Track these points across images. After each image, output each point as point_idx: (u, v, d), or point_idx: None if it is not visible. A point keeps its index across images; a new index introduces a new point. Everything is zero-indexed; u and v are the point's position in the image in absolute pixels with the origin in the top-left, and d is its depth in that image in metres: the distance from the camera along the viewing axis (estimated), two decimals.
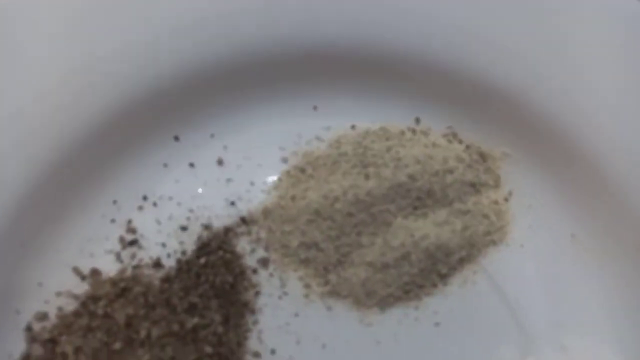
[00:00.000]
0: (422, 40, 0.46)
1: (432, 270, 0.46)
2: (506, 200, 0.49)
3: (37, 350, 0.43)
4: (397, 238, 0.46)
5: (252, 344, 0.45)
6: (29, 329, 0.44)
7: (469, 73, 0.47)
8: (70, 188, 0.45)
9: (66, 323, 0.44)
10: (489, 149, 0.50)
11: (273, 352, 0.45)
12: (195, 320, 0.44)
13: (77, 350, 0.42)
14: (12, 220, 0.43)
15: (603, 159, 0.46)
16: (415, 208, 0.47)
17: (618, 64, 0.45)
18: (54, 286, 0.45)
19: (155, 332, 0.43)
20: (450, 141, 0.50)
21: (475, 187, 0.49)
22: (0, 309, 0.43)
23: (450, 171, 0.47)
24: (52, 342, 0.43)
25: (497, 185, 0.49)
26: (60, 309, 0.44)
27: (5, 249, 0.43)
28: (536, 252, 0.48)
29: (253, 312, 0.46)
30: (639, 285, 0.45)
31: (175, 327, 0.44)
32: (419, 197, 0.47)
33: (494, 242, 0.48)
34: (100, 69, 0.43)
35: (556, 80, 0.46)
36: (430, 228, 0.46)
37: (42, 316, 0.44)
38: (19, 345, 0.43)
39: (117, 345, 0.42)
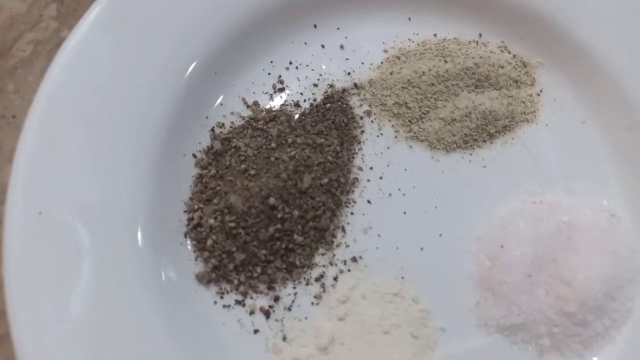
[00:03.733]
0: None
1: (484, 129, 0.67)
2: (538, 95, 0.70)
3: (217, 145, 0.64)
4: (462, 103, 0.67)
5: (358, 162, 0.66)
6: (212, 130, 0.65)
7: (518, 3, 0.69)
8: (247, 51, 0.67)
9: (237, 131, 0.65)
10: (528, 58, 0.71)
11: (371, 168, 0.66)
12: (322, 140, 0.65)
13: (246, 145, 0.63)
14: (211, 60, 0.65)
15: (609, 67, 0.67)
16: (476, 87, 0.68)
17: None
18: (229, 108, 0.66)
19: (298, 140, 0.64)
20: (502, 51, 0.71)
21: (517, 83, 0.70)
22: (193, 117, 0.64)
23: (502, 67, 0.69)
24: (228, 140, 0.64)
25: (532, 84, 0.71)
26: (232, 123, 0.66)
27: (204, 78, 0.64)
28: (556, 130, 0.69)
29: (359, 142, 0.67)
30: (629, 149, 0.65)
31: (309, 141, 0.64)
32: (479, 79, 0.68)
33: (527, 121, 0.69)
34: None
35: (580, 8, 0.67)
36: (485, 99, 0.67)
37: (221, 125, 0.65)
38: (206, 140, 0.64)
39: (273, 145, 0.63)
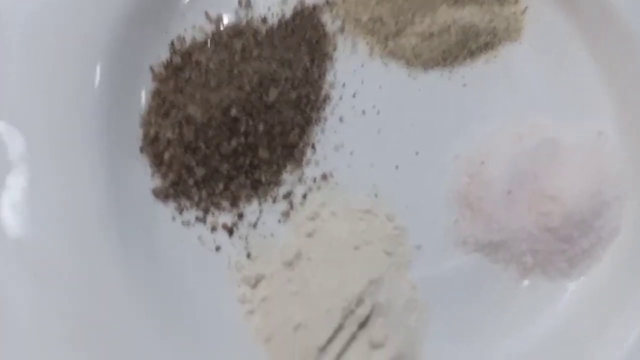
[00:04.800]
0: None
1: (465, 45, 0.63)
2: (522, 13, 0.66)
3: (177, 59, 0.59)
4: (441, 18, 0.63)
5: (330, 79, 0.62)
6: (172, 44, 0.60)
7: None
8: None
9: (198, 45, 0.61)
10: None
11: (344, 85, 0.62)
12: (290, 55, 0.61)
13: (208, 59, 0.59)
14: None
15: None
16: (456, 1, 0.64)
17: None
18: (191, 22, 0.62)
19: (264, 54, 0.60)
20: None
21: (500, 0, 0.66)
22: (152, 30, 0.60)
23: None
24: (188, 54, 0.60)
25: (515, 2, 0.67)
26: (194, 37, 0.61)
27: None
28: (541, 49, 0.64)
29: (331, 59, 0.62)
30: (616, 68, 0.62)
31: (277, 56, 0.60)
32: None
33: (511, 38, 0.65)
34: None
35: None
36: (466, 14, 0.63)
37: (182, 38, 0.61)
38: (166, 55, 0.60)
39: (237, 58, 0.59)
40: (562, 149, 0.56)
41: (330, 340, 0.46)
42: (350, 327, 0.46)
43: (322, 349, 0.45)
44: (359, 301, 0.47)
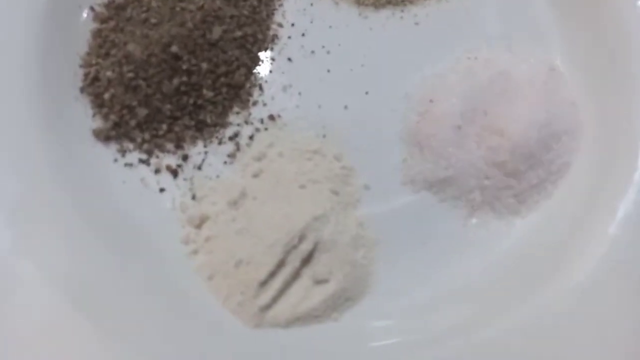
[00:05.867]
0: None
1: None
2: None
3: None
4: None
5: (278, 18, 0.60)
6: None
7: None
8: None
9: None
10: None
11: (292, 25, 0.60)
12: None
13: None
14: None
15: None
16: None
17: None
18: None
19: None
20: None
21: None
22: None
23: None
24: None
25: None
26: None
27: None
28: None
29: None
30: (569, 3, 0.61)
31: None
32: None
33: None
34: None
35: None
36: None
37: None
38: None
39: None
40: (513, 84, 0.55)
41: (271, 274, 0.45)
42: (293, 262, 0.46)
43: (263, 283, 0.45)
44: (302, 237, 0.46)
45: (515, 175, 0.52)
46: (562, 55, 0.60)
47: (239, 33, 0.56)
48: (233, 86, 0.55)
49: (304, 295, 0.46)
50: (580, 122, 0.56)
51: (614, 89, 0.57)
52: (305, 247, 0.46)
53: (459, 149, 0.53)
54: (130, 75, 0.51)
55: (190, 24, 0.53)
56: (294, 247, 0.46)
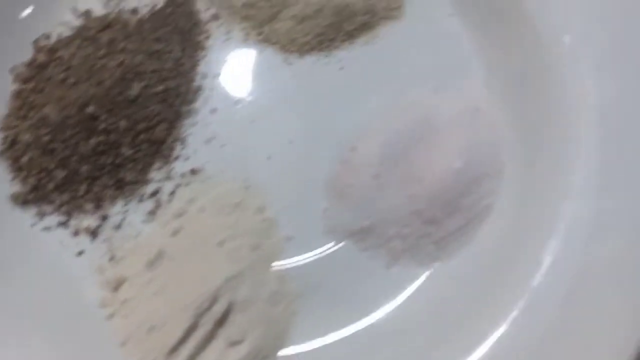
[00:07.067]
0: None
1: (340, 27, 0.62)
2: None
3: (41, 57, 0.58)
4: None
5: (202, 69, 0.60)
6: (36, 42, 0.59)
7: None
8: None
9: (64, 41, 0.59)
10: None
11: (217, 75, 0.60)
12: (160, 46, 0.59)
13: (71, 55, 0.57)
14: None
15: None
16: None
17: None
18: (58, 18, 0.60)
19: (130, 46, 0.58)
20: None
21: None
22: (12, 28, 0.58)
23: None
24: (53, 51, 0.58)
25: None
26: (60, 34, 0.60)
27: None
28: (423, 27, 0.63)
29: (203, 49, 0.61)
30: (496, 44, 0.61)
31: (144, 48, 0.58)
32: None
33: (391, 17, 0.64)
34: None
35: None
36: None
37: (47, 36, 0.59)
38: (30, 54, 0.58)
39: (102, 52, 0.57)
40: (434, 129, 0.56)
41: (182, 340, 0.45)
42: (206, 326, 0.46)
43: (173, 350, 0.45)
44: (215, 299, 0.46)
45: (433, 223, 0.52)
46: (489, 95, 0.60)
47: (160, 87, 0.56)
48: (154, 142, 0.55)
49: (218, 358, 0.46)
50: (502, 163, 0.56)
51: (540, 128, 0.57)
52: (219, 308, 0.47)
53: (378, 197, 0.53)
54: (47, 138, 0.52)
55: (108, 83, 0.54)
56: (207, 309, 0.46)
